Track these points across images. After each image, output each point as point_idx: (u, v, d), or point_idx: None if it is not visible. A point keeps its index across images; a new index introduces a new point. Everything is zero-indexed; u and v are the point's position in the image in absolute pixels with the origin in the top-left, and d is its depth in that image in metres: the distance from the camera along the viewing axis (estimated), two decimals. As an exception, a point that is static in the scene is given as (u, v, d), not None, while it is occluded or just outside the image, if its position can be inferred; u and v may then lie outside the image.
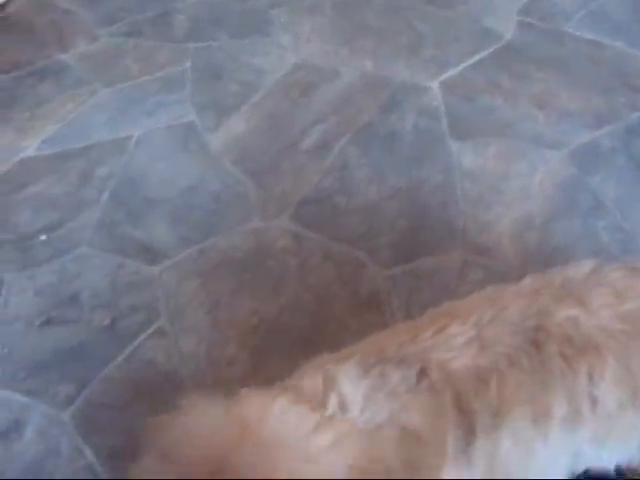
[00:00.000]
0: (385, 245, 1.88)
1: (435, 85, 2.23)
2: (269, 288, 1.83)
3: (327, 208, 1.98)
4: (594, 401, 1.04)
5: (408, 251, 1.85)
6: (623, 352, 1.04)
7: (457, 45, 2.36)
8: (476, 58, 2.31)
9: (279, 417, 0.88)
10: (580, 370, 1.04)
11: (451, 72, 2.27)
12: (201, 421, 0.90)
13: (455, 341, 1.05)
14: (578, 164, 2.02)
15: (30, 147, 2.27)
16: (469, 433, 1.01)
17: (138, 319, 1.84)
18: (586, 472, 1.22)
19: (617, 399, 1.05)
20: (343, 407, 0.96)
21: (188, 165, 2.15)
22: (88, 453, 1.62)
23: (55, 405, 1.73)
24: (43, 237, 2.04)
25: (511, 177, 2.01)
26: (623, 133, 2.10)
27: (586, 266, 1.16)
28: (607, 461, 1.17)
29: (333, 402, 0.96)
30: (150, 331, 1.80)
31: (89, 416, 1.70)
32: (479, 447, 1.02)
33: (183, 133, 2.23)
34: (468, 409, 1.02)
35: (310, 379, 1.01)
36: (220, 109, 2.28)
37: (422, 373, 1.02)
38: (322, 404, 0.95)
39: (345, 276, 1.83)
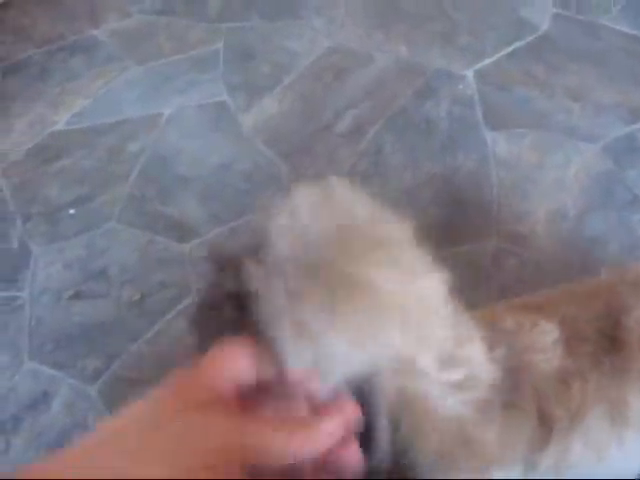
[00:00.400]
0: (419, 231, 1.86)
1: (470, 73, 2.22)
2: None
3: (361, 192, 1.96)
4: None
5: (442, 237, 1.84)
6: None
7: (492, 34, 2.34)
8: (511, 48, 2.29)
9: None
10: None
11: (486, 61, 2.25)
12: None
13: (544, 340, 1.01)
14: (613, 157, 2.00)
15: (60, 121, 2.26)
16: (544, 440, 0.98)
17: (168, 295, 1.83)
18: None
19: None
20: None
21: (220, 144, 2.14)
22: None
23: (83, 379, 1.73)
24: (72, 211, 2.03)
25: (546, 168, 1.99)
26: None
27: None
28: None
29: None
30: (180, 307, 1.80)
31: (117, 391, 1.70)
32: (549, 453, 0.99)
33: (215, 112, 2.22)
34: (549, 414, 0.98)
35: None
36: (252, 90, 2.26)
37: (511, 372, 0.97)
38: None
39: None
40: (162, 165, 2.10)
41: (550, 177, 1.98)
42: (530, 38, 2.31)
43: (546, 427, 0.98)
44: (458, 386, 0.89)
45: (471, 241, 1.84)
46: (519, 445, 0.98)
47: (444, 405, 0.88)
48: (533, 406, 0.97)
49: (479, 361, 0.93)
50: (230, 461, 0.59)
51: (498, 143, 2.05)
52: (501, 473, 0.99)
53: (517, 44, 2.30)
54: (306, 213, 0.72)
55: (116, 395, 1.69)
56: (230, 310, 0.71)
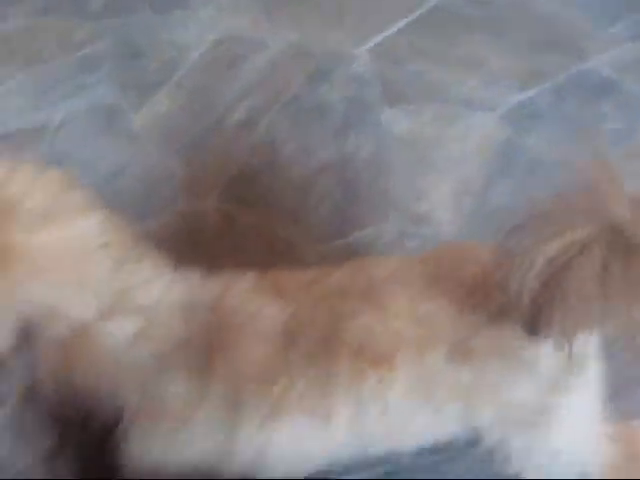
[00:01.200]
0: (318, 221, 1.83)
1: (362, 52, 2.18)
2: (202, 268, 1.76)
3: (257, 186, 1.92)
4: (384, 406, 1.03)
5: (342, 225, 1.81)
6: (416, 360, 1.01)
7: (381, 11, 2.30)
8: (402, 23, 2.26)
9: None
10: (369, 380, 1.00)
11: (377, 38, 2.22)
12: None
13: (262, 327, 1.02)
14: (512, 125, 2.00)
15: (-57, 138, 2.15)
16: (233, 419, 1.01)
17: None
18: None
19: (409, 406, 1.05)
20: None
21: (112, 148, 2.06)
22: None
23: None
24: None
25: (446, 142, 1.97)
26: (553, 92, 2.08)
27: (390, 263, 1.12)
28: None
29: None
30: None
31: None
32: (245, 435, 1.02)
33: (105, 115, 2.14)
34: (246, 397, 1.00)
35: None
36: (142, 88, 2.18)
37: None
38: None
39: (278, 254, 1.78)
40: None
41: (450, 151, 1.96)
42: (420, 11, 2.29)
43: (236, 408, 1.00)
44: (138, 335, 0.92)
45: (372, 225, 1.81)
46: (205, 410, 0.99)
47: (124, 355, 0.91)
48: (223, 383, 0.99)
49: (159, 311, 0.96)
50: None
51: (396, 121, 2.02)
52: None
53: (407, 18, 2.27)
54: None
55: None
56: None
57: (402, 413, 1.05)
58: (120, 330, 0.91)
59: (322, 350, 1.00)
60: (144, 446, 1.03)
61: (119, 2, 2.47)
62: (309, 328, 1.01)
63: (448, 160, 1.94)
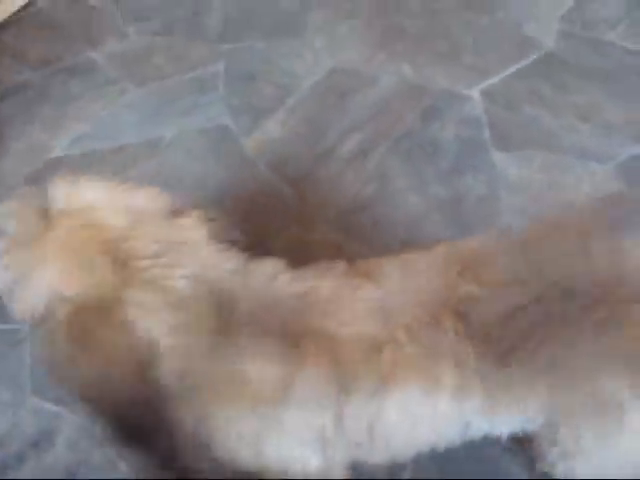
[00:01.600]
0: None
1: (476, 94, 2.18)
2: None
3: (367, 218, 1.93)
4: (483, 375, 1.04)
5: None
6: None
7: (497, 53, 2.30)
8: (517, 67, 2.25)
9: None
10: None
11: (492, 80, 2.22)
12: None
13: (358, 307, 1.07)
14: (625, 178, 1.97)
15: (58, 146, 2.22)
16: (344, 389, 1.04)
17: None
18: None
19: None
20: None
21: (222, 168, 2.10)
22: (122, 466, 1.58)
23: (86, 415, 1.68)
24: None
25: (556, 191, 1.95)
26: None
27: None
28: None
29: None
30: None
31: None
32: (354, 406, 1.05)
33: (217, 135, 2.18)
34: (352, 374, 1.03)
35: None
36: (255, 112, 2.23)
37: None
38: None
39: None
40: (164, 191, 2.05)
41: (561, 199, 1.94)
42: (536, 56, 2.28)
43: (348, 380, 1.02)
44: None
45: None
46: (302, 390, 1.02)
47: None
48: (321, 362, 1.02)
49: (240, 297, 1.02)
50: None
51: (507, 165, 2.01)
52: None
53: (522, 62, 2.27)
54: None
55: (121, 431, 1.65)
56: None
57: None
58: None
59: (425, 321, 1.04)
60: (232, 432, 1.06)
61: (235, 27, 2.53)
62: (404, 304, 1.06)
63: (559, 208, 1.92)
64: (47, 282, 0.94)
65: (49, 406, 1.70)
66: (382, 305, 1.06)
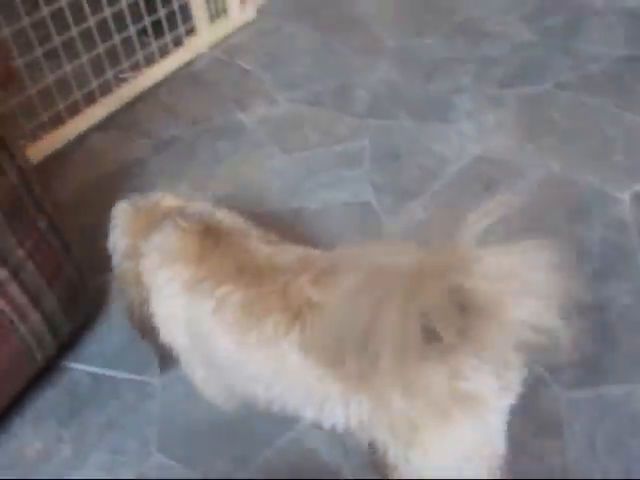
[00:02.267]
0: (568, 364, 1.79)
1: (626, 196, 2.15)
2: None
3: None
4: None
5: (593, 375, 1.76)
6: None
7: (648, 155, 2.27)
8: (672, 171, 2.21)
9: None
10: None
11: (642, 185, 2.18)
12: None
13: None
14: None
15: (203, 206, 2.28)
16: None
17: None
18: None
19: None
20: None
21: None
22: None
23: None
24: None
25: None
26: None
27: None
28: None
29: None
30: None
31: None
32: None
33: (360, 213, 2.21)
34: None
35: None
36: (399, 193, 2.25)
37: None
38: None
39: (524, 393, 1.75)
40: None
41: None
42: (693, 163, 2.23)
43: None
44: None
45: (626, 382, 1.75)
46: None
47: None
48: None
49: None
50: None
51: (655, 273, 1.97)
52: None
53: (679, 168, 2.22)
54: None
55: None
56: None
57: None
58: None
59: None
60: None
61: (382, 105, 2.57)
62: None
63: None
64: None
65: (174, 464, 1.71)
66: None
